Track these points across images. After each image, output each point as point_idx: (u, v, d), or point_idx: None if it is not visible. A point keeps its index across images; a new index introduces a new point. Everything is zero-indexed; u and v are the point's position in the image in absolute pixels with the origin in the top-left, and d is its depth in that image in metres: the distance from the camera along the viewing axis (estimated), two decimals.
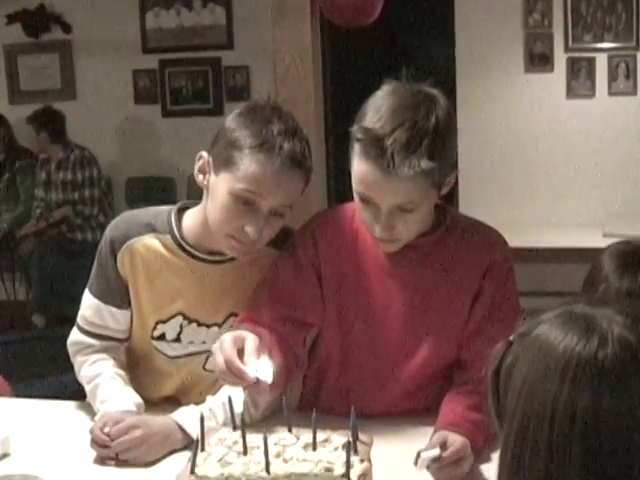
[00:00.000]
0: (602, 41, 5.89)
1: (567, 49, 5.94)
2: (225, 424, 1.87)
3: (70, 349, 2.20)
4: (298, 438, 1.67)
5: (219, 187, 1.95)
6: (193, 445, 1.63)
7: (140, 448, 1.87)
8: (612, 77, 5.89)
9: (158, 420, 1.94)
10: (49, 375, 4.52)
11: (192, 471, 1.58)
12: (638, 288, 1.71)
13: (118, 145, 7.22)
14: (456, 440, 1.74)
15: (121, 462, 1.87)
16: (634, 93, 5.89)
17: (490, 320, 1.94)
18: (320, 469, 1.56)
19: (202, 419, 1.68)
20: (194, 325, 2.10)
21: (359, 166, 1.84)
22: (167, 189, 7.06)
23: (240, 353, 1.76)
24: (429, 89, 1.86)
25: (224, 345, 1.76)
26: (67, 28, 7.14)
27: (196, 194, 2.11)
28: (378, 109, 1.81)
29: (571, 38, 5.92)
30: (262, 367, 1.74)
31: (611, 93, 5.92)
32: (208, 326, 2.10)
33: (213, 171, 1.97)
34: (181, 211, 2.12)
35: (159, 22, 7.03)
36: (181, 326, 2.10)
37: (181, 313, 2.10)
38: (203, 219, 2.03)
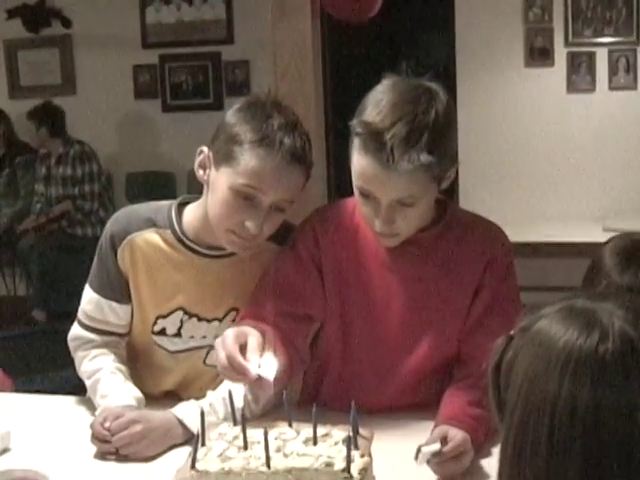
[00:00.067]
0: (602, 36, 5.88)
1: (567, 44, 5.94)
2: (225, 419, 1.88)
3: (70, 344, 2.20)
4: (298, 433, 1.67)
5: (219, 182, 1.95)
6: (193, 440, 1.63)
7: (140, 443, 1.87)
8: (612, 72, 5.89)
9: (158, 415, 1.94)
10: (49, 370, 4.53)
11: (192, 466, 1.59)
12: (639, 284, 1.71)
13: (118, 140, 7.22)
14: (457, 435, 1.74)
15: (121, 457, 1.87)
16: (634, 88, 5.89)
17: (491, 315, 1.94)
18: (320, 464, 1.56)
19: (202, 414, 1.68)
20: (194, 320, 2.10)
21: (359, 160, 1.83)
22: (167, 184, 7.05)
23: (242, 349, 1.76)
24: (429, 83, 1.86)
25: (226, 341, 1.76)
26: (67, 23, 7.13)
27: (196, 189, 2.11)
28: (378, 103, 1.81)
29: (571, 33, 5.92)
30: (265, 364, 1.73)
31: (611, 88, 5.92)
32: (208, 321, 2.10)
33: (213, 166, 1.97)
34: (182, 206, 2.12)
35: (159, 17, 7.03)
36: (181, 321, 2.10)
37: (181, 308, 2.10)
38: (203, 214, 2.03)
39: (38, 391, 2.48)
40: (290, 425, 1.71)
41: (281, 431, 1.69)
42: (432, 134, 1.78)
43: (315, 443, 1.63)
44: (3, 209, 6.71)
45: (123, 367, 2.13)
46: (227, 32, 6.93)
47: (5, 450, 1.94)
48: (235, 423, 1.72)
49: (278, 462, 1.57)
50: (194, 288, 2.08)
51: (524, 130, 6.03)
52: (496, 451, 1.39)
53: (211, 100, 7.06)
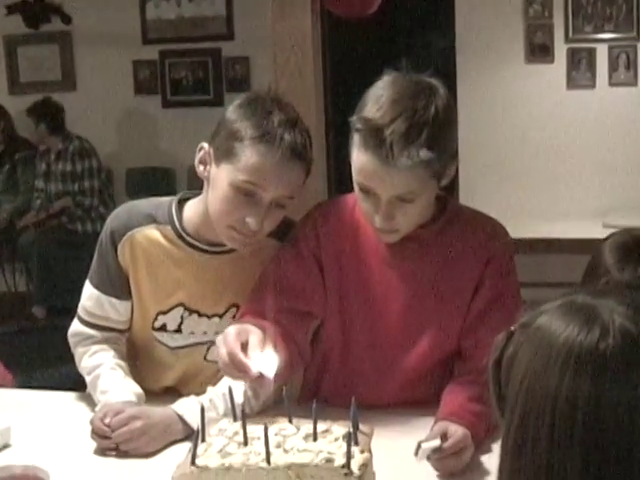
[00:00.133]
0: (602, 32, 5.88)
1: (567, 40, 5.93)
2: (226, 415, 1.87)
3: (71, 340, 2.20)
4: (298, 429, 1.67)
5: (220, 178, 1.95)
6: (193, 436, 1.63)
7: (140, 439, 1.87)
8: (612, 68, 5.89)
9: (158, 411, 1.94)
10: (49, 366, 4.54)
11: (193, 462, 1.59)
12: (639, 280, 1.71)
13: (118, 136, 7.21)
14: (457, 431, 1.74)
15: (121, 453, 1.88)
16: (634, 84, 5.88)
17: (491, 310, 1.94)
18: (321, 460, 1.56)
19: (202, 410, 1.68)
20: (195, 316, 2.10)
21: (359, 156, 1.83)
22: (167, 180, 7.05)
23: (244, 346, 1.76)
24: (429, 79, 1.86)
25: (227, 338, 1.76)
26: (67, 19, 7.12)
27: (196, 185, 2.11)
28: (378, 99, 1.81)
29: (571, 29, 5.91)
30: (266, 361, 1.73)
31: (611, 84, 5.92)
32: (209, 317, 2.10)
33: (214, 162, 1.97)
34: (182, 202, 2.12)
35: (159, 13, 7.01)
36: (182, 317, 2.10)
37: (182, 304, 2.10)
38: (204, 210, 2.03)
39: (38, 387, 2.48)
40: (290, 421, 1.71)
41: (281, 427, 1.69)
42: (432, 130, 1.78)
43: (315, 439, 1.63)
44: (3, 205, 6.71)
45: (123, 363, 2.13)
46: (227, 28, 6.92)
47: (5, 446, 1.94)
48: (235, 419, 1.72)
49: (278, 458, 1.57)
50: (194, 284, 2.08)
51: (524, 126, 6.03)
52: (496, 447, 1.40)
53: (211, 96, 7.05)
